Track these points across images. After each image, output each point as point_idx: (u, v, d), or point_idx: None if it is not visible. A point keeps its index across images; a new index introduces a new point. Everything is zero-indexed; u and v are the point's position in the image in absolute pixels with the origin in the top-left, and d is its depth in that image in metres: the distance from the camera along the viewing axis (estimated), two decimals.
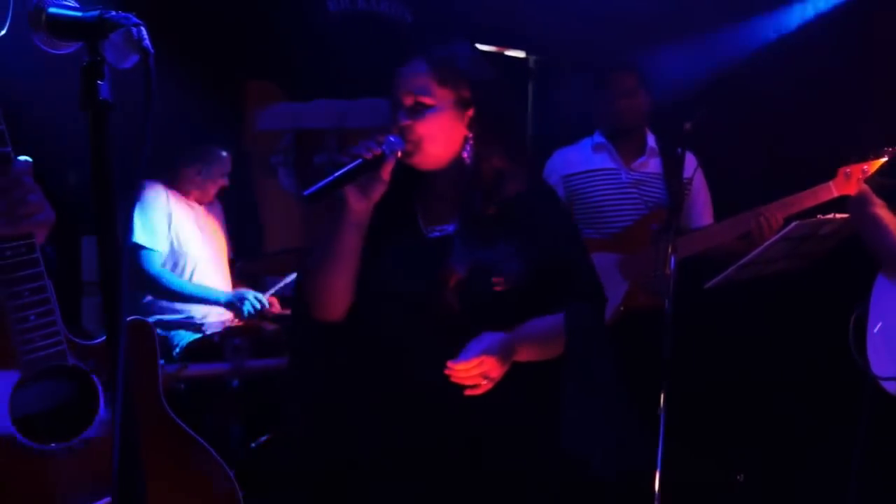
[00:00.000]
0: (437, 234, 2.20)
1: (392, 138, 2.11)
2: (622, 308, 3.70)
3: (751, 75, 4.30)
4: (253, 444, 3.70)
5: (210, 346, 3.80)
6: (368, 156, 2.06)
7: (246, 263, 4.47)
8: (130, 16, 1.40)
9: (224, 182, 4.29)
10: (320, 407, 2.39)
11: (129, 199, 1.47)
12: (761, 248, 3.39)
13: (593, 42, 4.31)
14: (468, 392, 2.06)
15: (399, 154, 2.12)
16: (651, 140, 3.89)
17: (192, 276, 4.12)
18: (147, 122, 1.35)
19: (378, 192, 2.11)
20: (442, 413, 2.13)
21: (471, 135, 2.17)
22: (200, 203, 4.27)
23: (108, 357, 1.40)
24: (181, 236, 4.11)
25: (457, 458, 2.17)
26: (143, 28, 1.39)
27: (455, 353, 2.05)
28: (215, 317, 4.10)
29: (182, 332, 4.00)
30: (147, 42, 1.38)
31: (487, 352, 2.05)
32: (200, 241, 4.19)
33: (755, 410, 4.20)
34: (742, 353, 4.23)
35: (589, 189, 3.85)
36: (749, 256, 3.39)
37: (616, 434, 2.47)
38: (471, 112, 2.17)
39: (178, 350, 3.91)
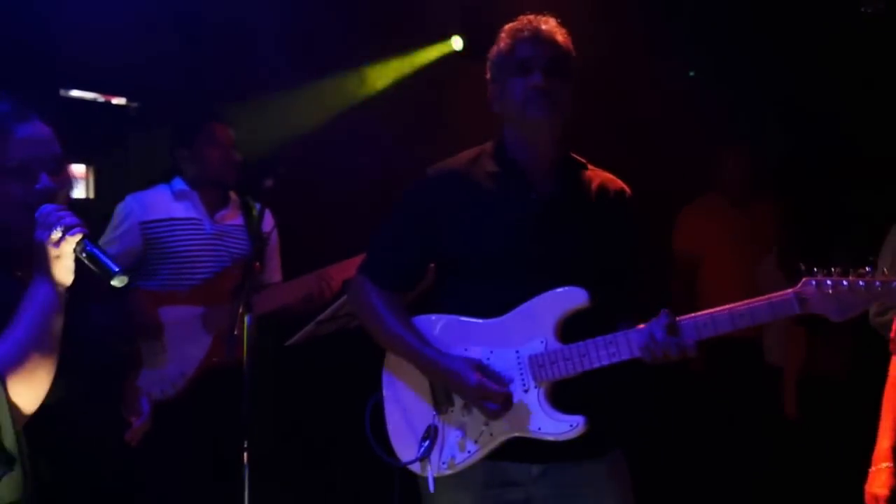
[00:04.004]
0: None
1: None
2: (205, 363, 3.67)
3: (331, 134, 4.41)
4: None
5: None
6: None
7: None
8: None
9: None
10: None
11: None
12: (338, 303, 3.42)
13: (186, 91, 4.31)
14: None
15: None
16: (232, 193, 3.88)
17: None
18: None
19: None
20: None
21: None
22: None
23: None
24: None
25: None
26: None
27: None
28: None
29: None
30: None
31: None
32: None
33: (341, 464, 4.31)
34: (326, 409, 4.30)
35: (171, 238, 3.75)
36: (326, 312, 3.44)
37: None
38: None
39: None
